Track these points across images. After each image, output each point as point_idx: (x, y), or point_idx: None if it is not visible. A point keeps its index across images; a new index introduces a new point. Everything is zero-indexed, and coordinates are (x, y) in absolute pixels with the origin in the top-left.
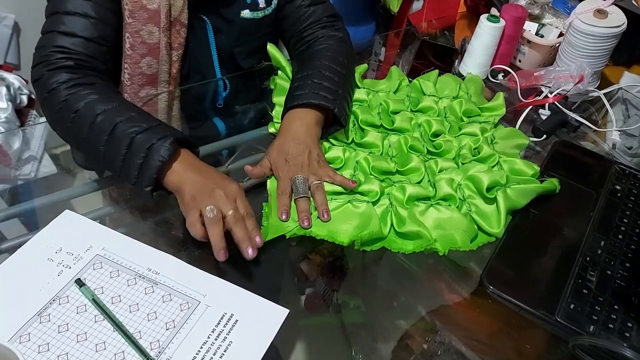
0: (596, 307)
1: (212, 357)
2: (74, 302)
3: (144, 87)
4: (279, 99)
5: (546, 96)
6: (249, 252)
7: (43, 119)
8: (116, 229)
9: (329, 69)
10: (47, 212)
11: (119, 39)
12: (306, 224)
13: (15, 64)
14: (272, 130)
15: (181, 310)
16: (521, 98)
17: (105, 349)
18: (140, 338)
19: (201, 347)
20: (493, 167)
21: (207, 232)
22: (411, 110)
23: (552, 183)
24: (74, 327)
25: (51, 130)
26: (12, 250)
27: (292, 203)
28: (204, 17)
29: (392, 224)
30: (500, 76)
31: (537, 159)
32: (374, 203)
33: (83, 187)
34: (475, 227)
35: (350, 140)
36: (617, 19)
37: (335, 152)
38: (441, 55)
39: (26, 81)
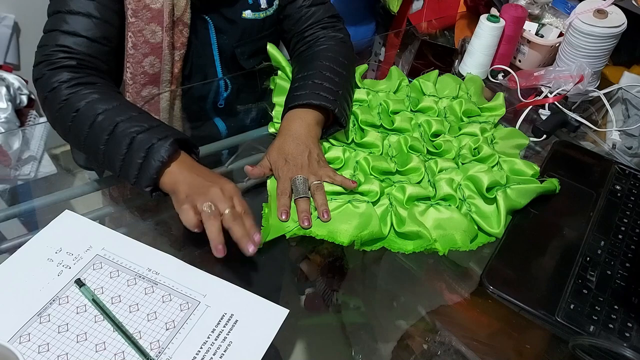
0: (596, 307)
1: (212, 357)
2: (73, 302)
3: (146, 87)
4: (278, 99)
5: (546, 96)
6: (250, 249)
7: (43, 119)
8: (116, 229)
9: (329, 69)
10: (47, 212)
11: (122, 39)
12: (306, 224)
13: (15, 64)
14: (272, 130)
15: (181, 311)
16: (521, 98)
17: (105, 349)
18: (140, 338)
19: (201, 347)
20: (493, 167)
21: (201, 222)
22: (411, 110)
23: (552, 183)
24: (74, 327)
25: (51, 130)
26: (12, 250)
27: (292, 203)
28: (206, 17)
29: (392, 224)
30: (500, 76)
31: (537, 159)
32: (374, 203)
33: (83, 187)
34: (475, 227)
35: (350, 140)
36: (617, 19)
37: (335, 152)
38: (441, 55)
39: (26, 81)
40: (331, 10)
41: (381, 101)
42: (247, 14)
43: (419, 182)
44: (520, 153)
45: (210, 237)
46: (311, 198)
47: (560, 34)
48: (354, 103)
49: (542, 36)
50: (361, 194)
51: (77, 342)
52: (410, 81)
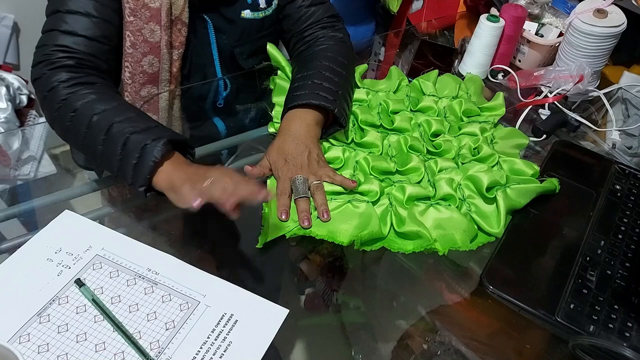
0: (596, 307)
1: (212, 357)
2: (73, 302)
3: (145, 86)
4: (278, 99)
5: (546, 96)
6: (261, 195)
7: (42, 119)
8: (116, 229)
9: (329, 69)
10: (47, 212)
11: (121, 38)
12: (306, 224)
13: (14, 64)
14: (271, 130)
15: (181, 311)
16: (521, 98)
17: (105, 349)
18: (140, 338)
19: (201, 347)
20: (493, 167)
21: (199, 197)
22: (411, 110)
23: (552, 183)
24: (74, 327)
25: (51, 130)
26: (11, 250)
27: (292, 203)
28: (205, 17)
29: (391, 224)
30: (500, 76)
31: (537, 158)
32: (374, 203)
33: (82, 187)
34: (475, 227)
35: (350, 140)
36: (617, 19)
37: (335, 152)
38: (441, 55)
39: (26, 81)
40: (330, 10)
41: (381, 101)
42: (246, 13)
43: (418, 182)
44: (520, 153)
45: (218, 198)
46: (311, 198)
47: (560, 34)
48: (353, 103)
49: (542, 36)
50: (361, 193)
51: (77, 342)
52: (410, 81)
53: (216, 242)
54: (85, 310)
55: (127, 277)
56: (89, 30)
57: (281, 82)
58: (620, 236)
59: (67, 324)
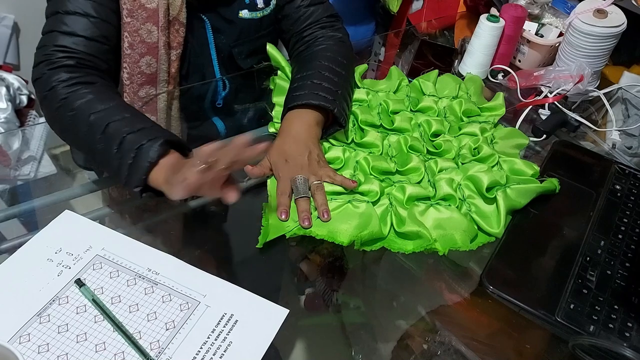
0: (596, 307)
1: (212, 357)
2: (73, 302)
3: (144, 87)
4: (278, 99)
5: (546, 96)
6: (249, 168)
7: (43, 119)
8: (116, 229)
9: (328, 69)
10: (47, 212)
11: (120, 37)
12: (307, 223)
13: (14, 64)
14: (272, 130)
15: (181, 311)
16: (521, 98)
17: (105, 349)
18: (140, 338)
19: (201, 347)
20: (493, 167)
21: (198, 182)
22: (411, 110)
23: (552, 183)
24: (74, 327)
25: (51, 130)
26: (11, 250)
27: (292, 203)
28: (203, 17)
29: (392, 224)
30: (500, 76)
31: (537, 158)
32: (374, 203)
33: (83, 187)
34: (475, 227)
35: (350, 140)
36: (617, 19)
37: (335, 152)
38: (441, 55)
39: (26, 81)
40: (330, 10)
41: (381, 101)
42: (244, 13)
43: (418, 182)
44: (520, 153)
45: (215, 173)
46: (311, 198)
47: (560, 34)
48: (353, 103)
49: (542, 36)
50: (361, 194)
51: (77, 342)
52: (410, 81)
53: (216, 242)
54: (86, 311)
55: (127, 277)
56: (87, 31)
57: (281, 82)
58: (620, 236)
59: (67, 324)
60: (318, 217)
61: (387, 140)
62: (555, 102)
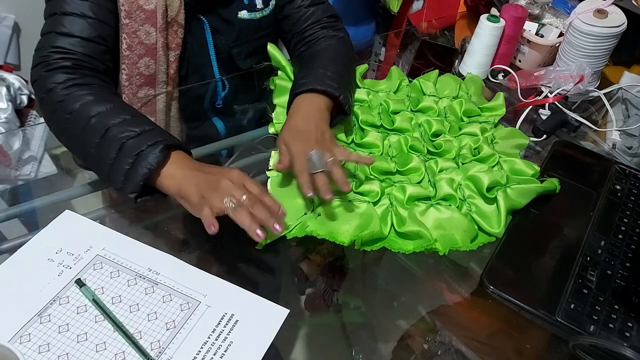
0: (596, 307)
1: (212, 357)
2: (74, 302)
3: (142, 88)
4: (279, 100)
5: (546, 96)
6: (277, 228)
7: (43, 119)
8: (116, 229)
9: (331, 65)
10: (47, 212)
11: (118, 38)
12: (329, 196)
13: (15, 64)
14: (272, 131)
15: (181, 311)
16: (521, 98)
17: (105, 349)
18: (141, 338)
19: (201, 347)
20: (493, 167)
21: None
22: (411, 110)
23: (552, 183)
24: (75, 327)
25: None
26: (12, 250)
27: (291, 203)
28: (202, 18)
29: (392, 224)
30: (500, 76)
31: (537, 159)
32: (375, 203)
33: (83, 187)
34: (476, 227)
35: (350, 140)
36: (617, 19)
37: None
38: (441, 55)
39: (26, 81)
40: (330, 10)
41: (381, 101)
42: (243, 14)
43: (419, 182)
44: (520, 153)
45: (245, 227)
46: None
47: (560, 34)
48: (354, 103)
49: (542, 36)
50: (361, 194)
51: (78, 342)
52: (410, 81)
53: (216, 242)
54: (86, 310)
55: (127, 277)
56: (85, 32)
57: (282, 83)
58: (620, 236)
59: (67, 324)
60: (336, 196)
61: (387, 140)
62: (556, 102)
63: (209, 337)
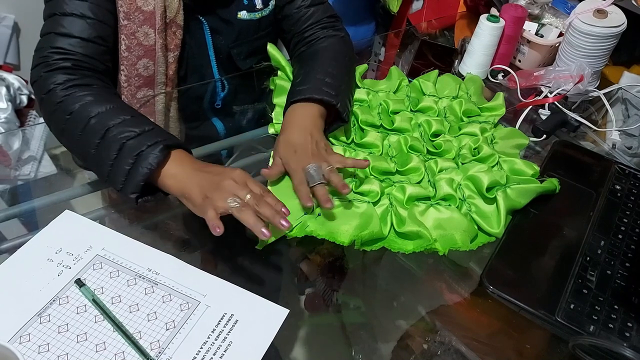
0: (596, 307)
1: (212, 357)
2: (74, 302)
3: (141, 89)
4: (279, 100)
5: (546, 96)
6: (284, 224)
7: (43, 120)
8: (116, 229)
9: (331, 66)
10: (47, 212)
11: (118, 39)
12: (329, 205)
13: (15, 64)
14: (271, 131)
15: (181, 311)
16: (521, 98)
17: (105, 349)
18: (140, 338)
19: (201, 347)
20: (493, 167)
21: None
22: (411, 110)
23: (552, 183)
24: (74, 327)
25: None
26: (12, 250)
27: (292, 203)
28: (201, 18)
29: (392, 224)
30: (500, 76)
31: (537, 159)
32: (374, 203)
33: (83, 187)
34: (475, 227)
35: (350, 140)
36: (617, 19)
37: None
38: (441, 55)
39: (26, 81)
40: (330, 10)
41: (381, 101)
42: (243, 14)
43: (419, 182)
44: (520, 153)
45: (251, 226)
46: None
47: (560, 34)
48: (354, 103)
49: (542, 36)
50: (361, 194)
51: (77, 342)
52: (410, 81)
53: (216, 242)
54: (86, 311)
55: (127, 277)
56: (84, 32)
57: (281, 83)
58: (620, 236)
59: (67, 324)
60: (336, 196)
61: (387, 140)
62: (555, 102)
63: (208, 337)
